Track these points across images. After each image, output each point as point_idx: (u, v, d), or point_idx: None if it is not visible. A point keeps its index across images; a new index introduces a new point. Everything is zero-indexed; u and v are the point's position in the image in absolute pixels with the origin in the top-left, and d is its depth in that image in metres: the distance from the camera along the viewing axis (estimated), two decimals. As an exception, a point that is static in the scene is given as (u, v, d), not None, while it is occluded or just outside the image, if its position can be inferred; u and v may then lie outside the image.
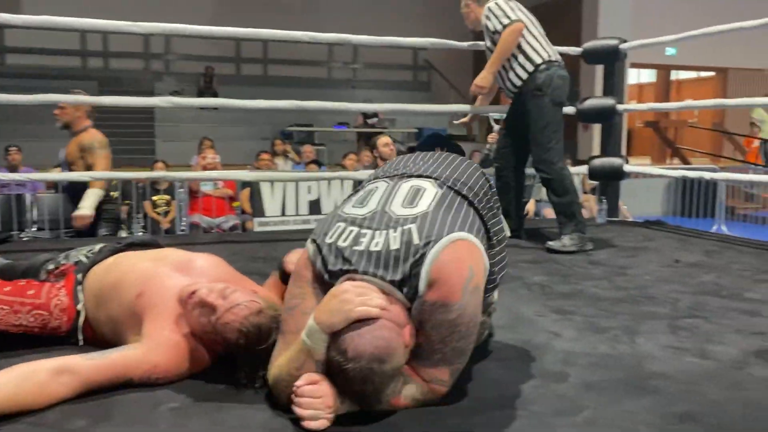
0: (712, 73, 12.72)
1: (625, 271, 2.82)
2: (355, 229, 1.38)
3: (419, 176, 1.52)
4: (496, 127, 8.21)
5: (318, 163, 6.84)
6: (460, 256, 1.33)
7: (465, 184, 1.52)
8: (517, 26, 3.26)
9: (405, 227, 1.35)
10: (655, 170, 4.66)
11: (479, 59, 3.71)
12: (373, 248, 1.34)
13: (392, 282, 1.32)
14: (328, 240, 1.38)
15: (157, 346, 1.49)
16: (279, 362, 1.37)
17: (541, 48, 3.32)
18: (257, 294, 1.55)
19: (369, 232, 1.37)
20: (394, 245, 1.33)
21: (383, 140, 5.64)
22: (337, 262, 1.36)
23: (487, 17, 3.35)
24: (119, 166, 7.00)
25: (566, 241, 3.23)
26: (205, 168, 5.95)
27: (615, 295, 2.40)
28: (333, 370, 1.28)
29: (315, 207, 5.35)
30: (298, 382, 1.27)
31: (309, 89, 11.85)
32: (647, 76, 14.25)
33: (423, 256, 1.31)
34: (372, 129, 10.89)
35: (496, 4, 3.32)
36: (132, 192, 5.94)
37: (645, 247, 3.41)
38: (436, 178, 1.51)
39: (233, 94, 9.70)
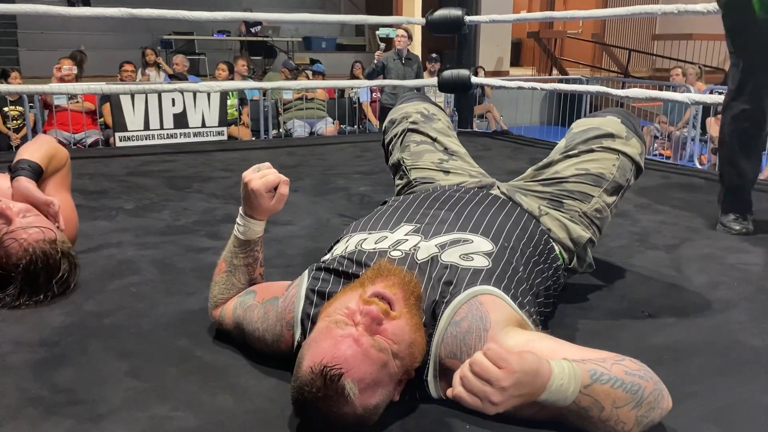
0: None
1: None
2: None
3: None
4: (382, 45, 8.05)
5: (179, 77, 6.52)
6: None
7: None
8: None
9: None
10: (497, 81, 4.66)
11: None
12: None
13: None
14: None
15: None
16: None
17: None
18: (55, 227, 1.53)
19: None
20: None
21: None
22: None
23: None
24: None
25: None
26: (61, 80, 5.59)
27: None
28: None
29: (180, 120, 5.18)
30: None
31: (192, -6, 11.19)
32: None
33: None
34: (255, 38, 10.50)
35: None
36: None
37: (478, 156, 3.56)
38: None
39: (105, -1, 9.05)
